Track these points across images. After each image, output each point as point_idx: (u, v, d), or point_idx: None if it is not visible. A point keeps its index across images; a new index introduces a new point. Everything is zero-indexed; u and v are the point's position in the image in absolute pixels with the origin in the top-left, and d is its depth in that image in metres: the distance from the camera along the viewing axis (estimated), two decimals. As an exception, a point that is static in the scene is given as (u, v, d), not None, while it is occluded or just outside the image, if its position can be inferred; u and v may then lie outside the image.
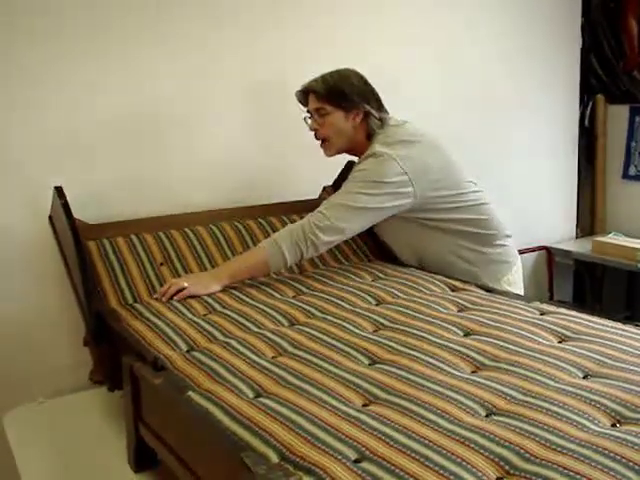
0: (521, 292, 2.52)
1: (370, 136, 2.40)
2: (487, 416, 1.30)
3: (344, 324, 1.81)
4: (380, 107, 2.42)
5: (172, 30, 2.56)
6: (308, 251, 2.19)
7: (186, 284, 2.09)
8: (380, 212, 2.28)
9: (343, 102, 2.34)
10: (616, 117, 3.92)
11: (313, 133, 2.42)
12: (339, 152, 2.46)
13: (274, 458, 1.19)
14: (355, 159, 2.51)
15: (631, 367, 1.47)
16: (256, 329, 1.82)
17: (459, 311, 1.93)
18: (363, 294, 2.06)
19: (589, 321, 1.78)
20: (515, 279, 2.54)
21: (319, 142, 2.43)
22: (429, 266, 2.44)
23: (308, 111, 2.42)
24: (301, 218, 2.55)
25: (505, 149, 3.53)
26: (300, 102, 2.45)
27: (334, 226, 2.20)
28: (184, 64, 2.60)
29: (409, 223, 2.38)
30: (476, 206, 2.42)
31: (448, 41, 3.25)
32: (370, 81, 2.40)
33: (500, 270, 2.49)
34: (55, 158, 2.38)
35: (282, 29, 2.80)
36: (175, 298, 2.06)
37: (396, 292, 2.08)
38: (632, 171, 3.86)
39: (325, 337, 1.73)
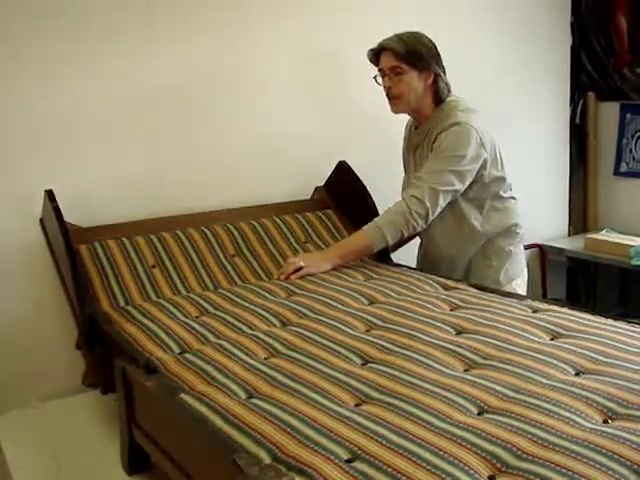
0: None
1: (437, 100, 2.46)
2: (479, 414, 1.30)
3: (336, 324, 1.81)
4: (445, 73, 2.47)
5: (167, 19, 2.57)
6: (408, 232, 2.36)
7: (302, 263, 2.27)
8: (463, 188, 2.39)
9: (419, 62, 2.39)
10: (607, 114, 3.92)
11: (385, 91, 2.46)
12: (406, 111, 2.51)
13: (266, 459, 1.19)
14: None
15: (623, 363, 1.47)
16: (248, 330, 1.82)
17: (451, 310, 1.93)
18: (355, 294, 2.06)
19: (581, 318, 1.79)
20: (522, 284, 2.60)
21: (389, 99, 2.47)
22: (455, 259, 2.51)
23: (380, 69, 2.45)
24: (294, 219, 2.57)
25: (496, 148, 3.53)
26: (371, 61, 2.48)
27: (431, 212, 2.33)
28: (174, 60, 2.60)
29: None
30: (511, 199, 2.52)
31: (437, 37, 3.24)
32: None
33: (514, 272, 2.55)
34: (45, 161, 2.37)
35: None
36: (293, 277, 2.25)
37: (388, 292, 2.09)
38: (623, 168, 3.86)
39: (317, 337, 1.73)
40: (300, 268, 2.27)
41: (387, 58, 2.41)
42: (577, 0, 3.81)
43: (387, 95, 2.46)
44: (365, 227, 2.35)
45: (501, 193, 2.47)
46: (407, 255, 2.68)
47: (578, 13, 3.83)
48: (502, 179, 2.47)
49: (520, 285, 2.58)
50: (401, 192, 2.58)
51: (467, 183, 2.37)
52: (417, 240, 2.66)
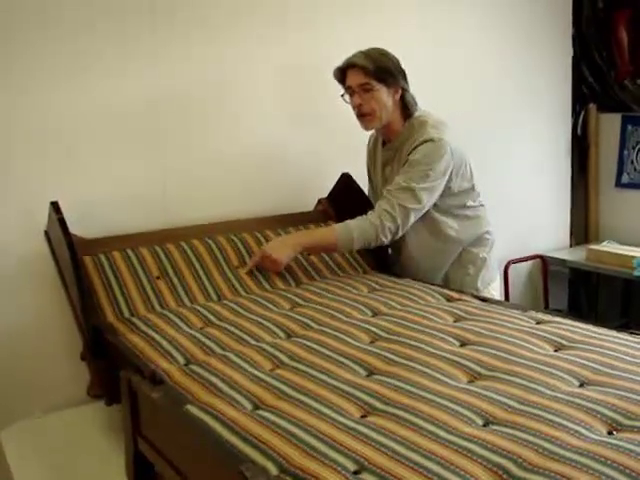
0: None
1: (406, 115, 2.47)
2: (485, 425, 1.31)
3: (341, 336, 1.82)
4: (409, 86, 2.48)
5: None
6: (375, 245, 2.37)
7: (269, 251, 2.30)
8: (432, 204, 2.41)
9: (388, 78, 2.39)
10: (608, 126, 3.93)
11: (355, 110, 2.44)
12: (377, 127, 2.49)
13: (273, 470, 1.19)
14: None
15: (627, 375, 1.48)
16: (253, 342, 1.82)
17: (455, 321, 1.93)
18: (359, 305, 2.07)
19: (585, 329, 1.79)
20: (497, 288, 2.68)
21: (359, 116, 2.46)
22: (434, 271, 2.54)
23: (348, 87, 2.43)
24: (297, 230, 2.57)
25: (498, 159, 3.55)
26: (337, 78, 2.47)
27: (401, 229, 2.36)
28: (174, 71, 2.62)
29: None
30: (481, 206, 2.55)
31: (440, 51, 3.27)
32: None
33: (490, 277, 2.61)
34: (49, 173, 2.37)
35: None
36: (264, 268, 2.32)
37: (392, 303, 2.09)
38: (625, 179, 3.88)
39: (322, 349, 1.73)
40: (265, 258, 2.32)
41: (356, 75, 2.40)
42: (578, 12, 3.83)
43: (358, 113, 2.44)
44: (337, 227, 2.35)
45: (471, 202, 2.51)
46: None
47: (579, 25, 3.85)
48: (471, 189, 2.50)
49: (495, 289, 2.65)
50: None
51: (436, 197, 2.39)
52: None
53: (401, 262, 2.58)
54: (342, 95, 2.47)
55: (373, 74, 2.37)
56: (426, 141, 2.35)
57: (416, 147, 2.37)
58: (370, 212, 2.36)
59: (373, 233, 2.31)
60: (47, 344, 2.40)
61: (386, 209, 2.33)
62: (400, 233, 2.36)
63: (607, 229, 3.99)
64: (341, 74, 2.45)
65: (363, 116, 2.44)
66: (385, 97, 2.40)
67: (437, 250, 2.52)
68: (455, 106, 3.16)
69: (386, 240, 2.34)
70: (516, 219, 3.65)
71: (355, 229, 2.31)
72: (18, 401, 2.31)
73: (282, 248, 2.33)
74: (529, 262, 3.85)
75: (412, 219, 2.36)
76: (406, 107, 2.46)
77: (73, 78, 2.40)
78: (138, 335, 1.91)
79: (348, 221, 2.35)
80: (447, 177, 2.38)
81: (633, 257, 3.45)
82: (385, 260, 2.59)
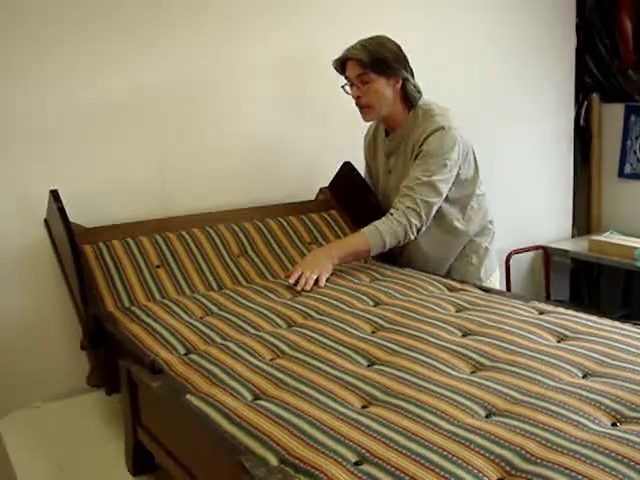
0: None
1: (409, 105, 2.44)
2: (487, 417, 1.30)
3: (342, 325, 1.81)
4: (413, 75, 2.44)
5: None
6: (404, 242, 2.35)
7: (315, 275, 2.17)
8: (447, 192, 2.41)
9: (385, 69, 2.36)
10: (611, 116, 3.91)
11: (355, 101, 2.42)
12: (377, 118, 2.48)
13: (273, 461, 1.18)
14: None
15: (630, 366, 1.47)
16: (254, 331, 1.81)
17: (457, 311, 1.92)
18: (361, 295, 2.06)
19: (587, 320, 1.78)
20: (497, 278, 2.69)
21: (359, 108, 2.44)
22: (440, 261, 2.54)
23: (347, 78, 2.41)
24: (298, 220, 2.56)
25: (500, 149, 3.53)
26: (337, 70, 2.44)
27: (425, 224, 2.36)
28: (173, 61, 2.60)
29: None
30: (484, 196, 2.54)
31: (441, 41, 3.25)
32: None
33: (492, 268, 2.62)
34: (48, 161, 2.36)
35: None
36: (307, 288, 2.13)
37: (394, 293, 2.08)
38: (628, 169, 3.86)
39: (323, 339, 1.72)
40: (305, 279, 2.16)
41: (352, 67, 2.37)
42: (581, 1, 3.80)
43: (357, 104, 2.42)
44: (367, 232, 2.29)
45: (477, 191, 2.50)
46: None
47: (582, 14, 3.82)
48: (477, 176, 2.50)
49: (496, 278, 2.66)
50: (383, 198, 2.59)
51: (452, 182, 2.39)
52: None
53: (408, 255, 2.57)
54: (343, 86, 2.45)
55: (369, 66, 2.34)
56: (436, 130, 2.33)
57: (427, 137, 2.34)
58: (393, 210, 2.33)
59: (402, 232, 2.30)
60: (47, 333, 2.39)
61: (411, 206, 2.31)
62: (424, 228, 2.36)
63: (609, 220, 3.97)
64: (340, 66, 2.42)
65: (362, 108, 2.42)
66: (383, 88, 2.37)
67: (445, 242, 2.51)
68: (456, 96, 3.14)
69: (413, 237, 2.33)
70: (518, 209, 3.64)
71: (385, 232, 2.27)
72: (17, 390, 2.31)
73: (322, 265, 2.21)
74: (531, 253, 3.84)
75: (434, 212, 2.36)
76: (408, 97, 2.43)
77: (73, 70, 2.39)
78: (138, 324, 1.90)
79: (376, 223, 2.30)
80: (458, 165, 2.38)
81: (635, 248, 3.44)
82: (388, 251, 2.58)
